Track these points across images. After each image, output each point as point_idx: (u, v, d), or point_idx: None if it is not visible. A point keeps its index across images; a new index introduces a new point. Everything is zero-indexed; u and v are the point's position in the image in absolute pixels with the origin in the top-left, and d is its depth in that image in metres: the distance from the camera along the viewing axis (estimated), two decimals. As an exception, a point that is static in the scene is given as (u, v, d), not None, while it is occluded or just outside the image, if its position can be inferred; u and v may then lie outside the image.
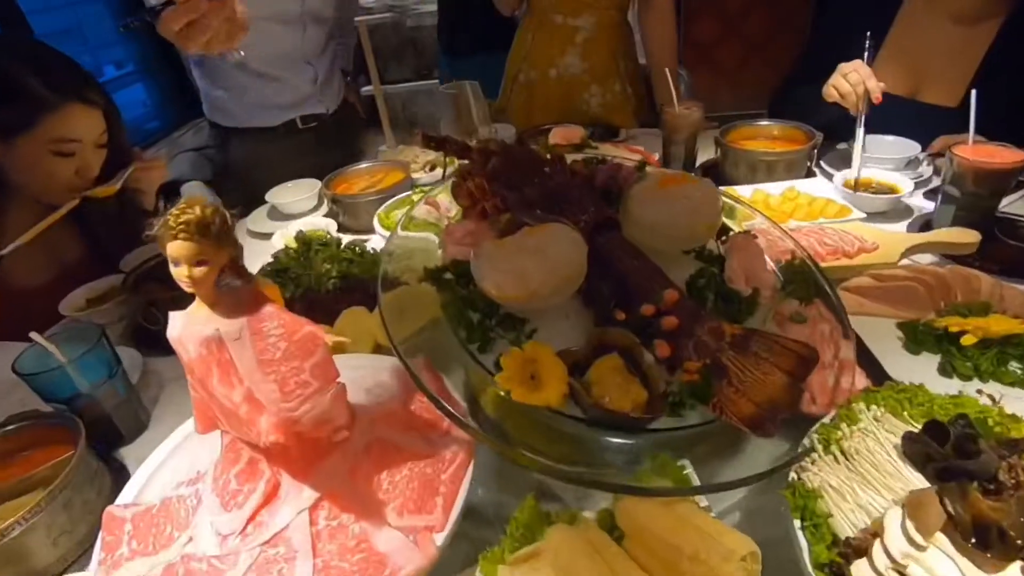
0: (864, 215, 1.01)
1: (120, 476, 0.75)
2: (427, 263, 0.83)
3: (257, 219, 1.40)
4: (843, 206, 1.02)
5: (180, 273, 0.43)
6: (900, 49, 1.29)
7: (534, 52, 1.68)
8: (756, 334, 0.64)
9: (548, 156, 0.74)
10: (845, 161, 1.28)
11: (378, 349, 0.77)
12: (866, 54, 1.13)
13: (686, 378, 0.60)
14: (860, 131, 1.12)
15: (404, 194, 1.24)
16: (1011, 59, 1.18)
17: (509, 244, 0.59)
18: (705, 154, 1.39)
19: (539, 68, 1.69)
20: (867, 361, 0.70)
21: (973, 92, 0.96)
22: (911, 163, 1.21)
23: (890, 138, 1.22)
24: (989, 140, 0.99)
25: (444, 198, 1.12)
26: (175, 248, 0.42)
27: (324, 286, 0.82)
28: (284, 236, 1.18)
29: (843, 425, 0.56)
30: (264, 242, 1.26)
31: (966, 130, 0.95)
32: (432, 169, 1.50)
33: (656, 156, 1.34)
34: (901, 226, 1.05)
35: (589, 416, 0.57)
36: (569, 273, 0.58)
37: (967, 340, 0.67)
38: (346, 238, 1.18)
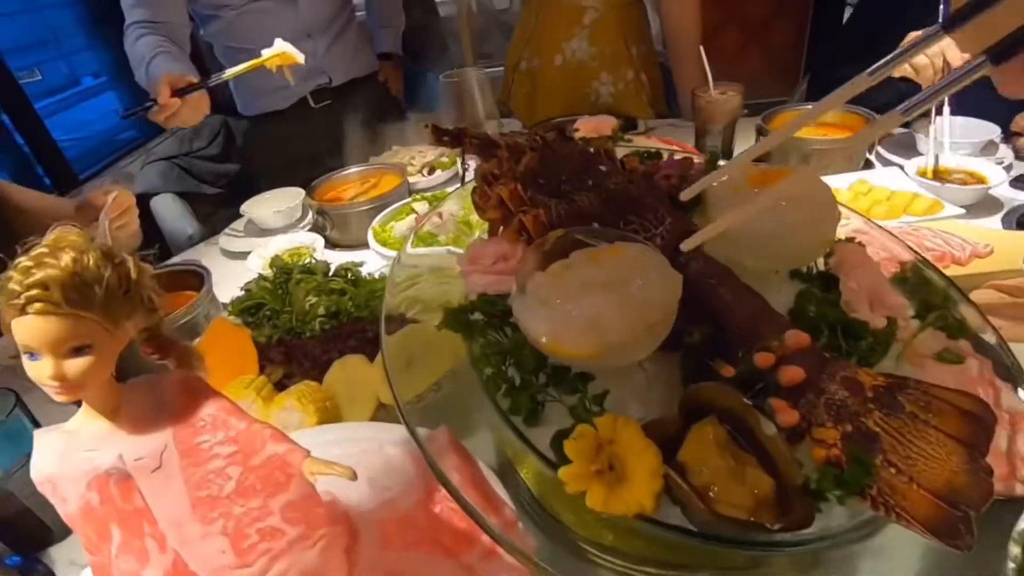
0: (962, 210, 0.84)
1: (49, 589, 0.58)
2: (441, 293, 0.65)
3: (231, 234, 1.21)
4: (934, 201, 0.85)
5: (40, 371, 0.25)
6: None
7: (537, 36, 1.51)
8: (906, 384, 0.46)
9: (594, 150, 0.57)
10: (906, 149, 1.11)
11: (381, 411, 0.59)
12: (941, 15, 0.96)
13: (821, 454, 0.42)
14: (947, 110, 0.95)
15: (402, 202, 1.06)
16: None
17: (569, 276, 0.41)
18: (742, 145, 1.22)
19: (543, 55, 1.52)
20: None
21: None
22: (987, 147, 1.05)
23: (961, 119, 1.06)
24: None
25: (453, 205, 0.94)
26: (25, 330, 0.24)
27: (309, 328, 0.64)
28: (261, 258, 1.00)
29: (1071, 527, 0.38)
30: (239, 263, 1.08)
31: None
32: (431, 172, 1.32)
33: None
34: (994, 221, 0.88)
35: (698, 526, 0.40)
36: (660, 317, 0.41)
37: None
38: (335, 258, 1.00)
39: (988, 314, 0.65)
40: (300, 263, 0.71)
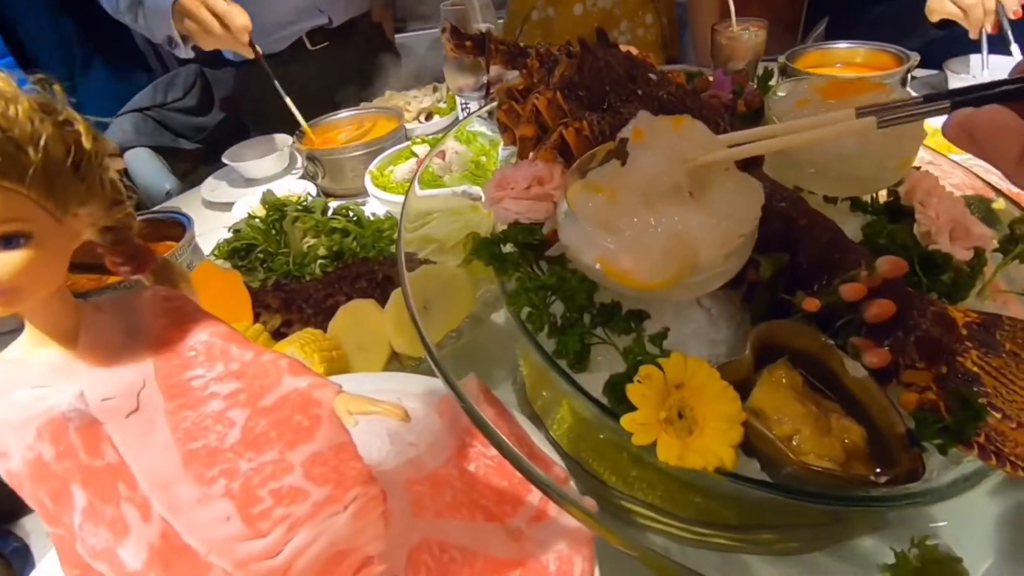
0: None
1: (22, 562, 0.52)
2: (457, 230, 0.58)
3: (214, 185, 1.12)
4: (982, 138, 0.79)
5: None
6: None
7: None
8: (1002, 322, 0.41)
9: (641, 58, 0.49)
10: (936, 89, 1.04)
11: (394, 361, 0.52)
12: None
13: (912, 399, 0.37)
14: (985, 53, 0.89)
15: (400, 145, 0.97)
16: None
17: (631, 192, 0.34)
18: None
19: (561, 3, 1.40)
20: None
21: None
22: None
23: (1005, 59, 0.99)
24: None
25: (457, 144, 0.86)
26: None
27: (308, 270, 0.56)
28: (249, 207, 0.91)
29: None
30: (224, 214, 0.99)
31: None
32: (429, 118, 1.23)
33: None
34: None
35: (782, 480, 0.34)
36: (748, 231, 0.34)
37: None
38: (332, 203, 0.92)
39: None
40: (296, 198, 0.63)
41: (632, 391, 0.33)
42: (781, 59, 1.08)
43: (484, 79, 1.00)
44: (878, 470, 0.34)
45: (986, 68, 0.96)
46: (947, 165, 0.58)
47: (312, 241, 0.59)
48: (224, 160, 1.11)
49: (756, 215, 0.34)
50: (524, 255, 0.43)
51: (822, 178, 0.47)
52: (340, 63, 1.39)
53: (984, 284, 0.46)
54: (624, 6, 1.38)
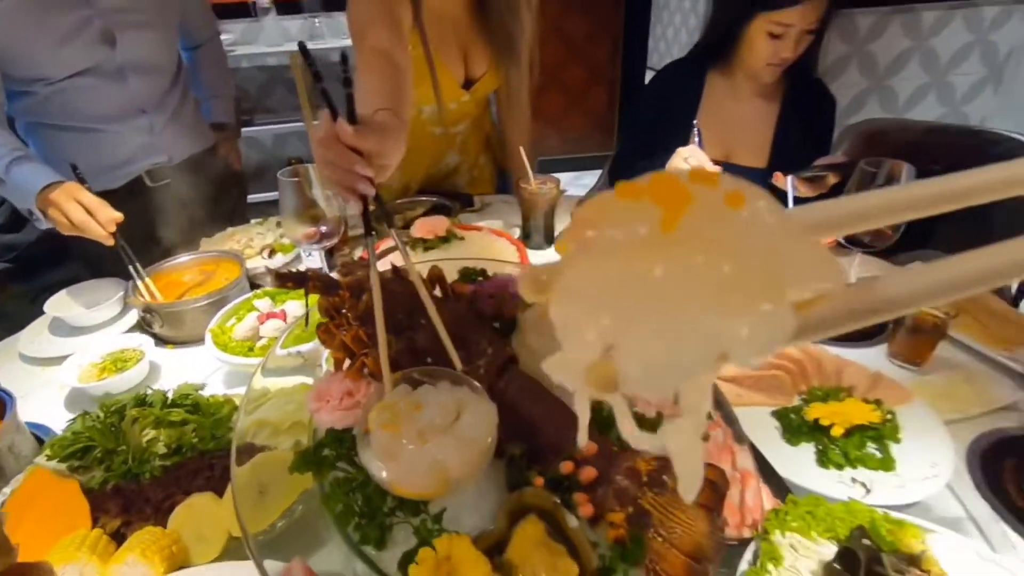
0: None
1: None
2: (288, 413, 0.69)
3: (34, 338, 1.08)
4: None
5: None
6: (712, 123, 1.46)
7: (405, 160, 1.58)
8: (668, 464, 0.62)
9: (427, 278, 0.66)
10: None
11: (233, 543, 0.60)
12: (696, 139, 1.24)
13: (612, 535, 0.55)
14: None
15: (242, 297, 1.05)
16: (792, 127, 1.43)
17: (407, 426, 0.49)
18: (562, 224, 1.41)
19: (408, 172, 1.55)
20: (760, 464, 0.72)
21: (790, 178, 1.10)
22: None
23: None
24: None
25: (298, 303, 0.96)
26: None
27: (148, 468, 0.62)
28: (79, 367, 0.92)
29: (769, 566, 0.55)
30: (52, 371, 0.97)
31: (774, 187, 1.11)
32: (272, 255, 1.32)
33: (516, 233, 1.33)
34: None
35: (523, 616, 0.49)
36: (486, 447, 0.50)
37: (836, 431, 0.72)
38: (166, 356, 0.97)
39: (736, 384, 0.86)
40: (134, 396, 0.68)
41: (412, 571, 0.47)
42: (573, 207, 1.34)
43: (323, 228, 1.12)
44: (583, 598, 0.50)
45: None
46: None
47: (152, 433, 0.65)
48: (45, 310, 1.09)
49: (492, 433, 0.50)
50: (340, 455, 0.55)
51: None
52: (181, 200, 1.42)
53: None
54: (467, 162, 1.59)
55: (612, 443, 0.61)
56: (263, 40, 3.15)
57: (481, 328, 0.63)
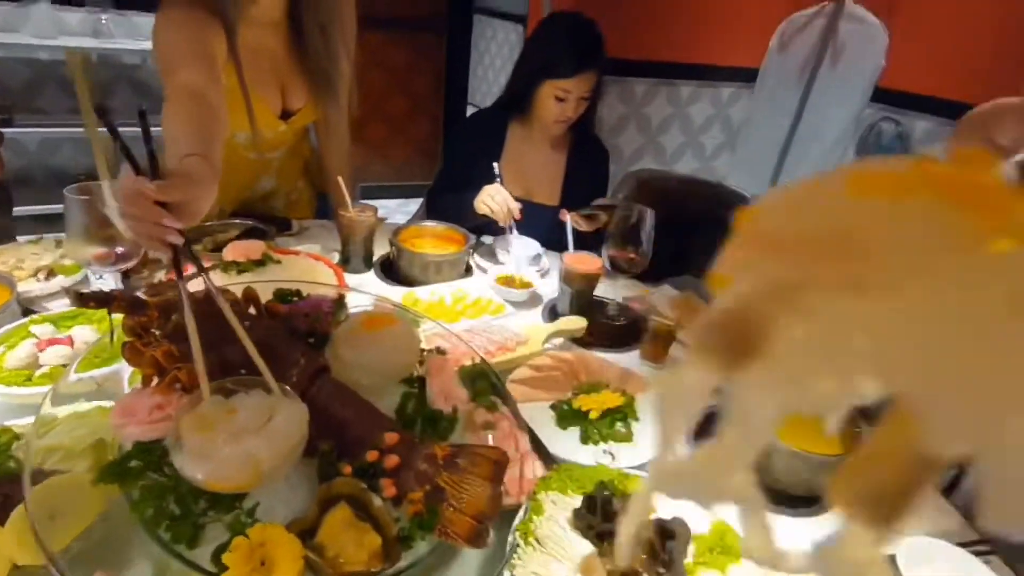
0: (514, 310, 1.27)
1: None
2: (82, 437, 0.68)
3: None
4: (500, 304, 1.26)
5: None
6: (513, 166, 1.69)
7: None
8: (461, 449, 0.74)
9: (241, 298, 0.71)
10: (492, 255, 1.57)
11: (16, 572, 0.58)
12: (498, 180, 1.44)
13: (412, 510, 0.66)
14: (513, 238, 1.42)
15: (14, 324, 0.95)
16: (577, 173, 1.75)
17: (221, 428, 0.54)
18: (380, 250, 1.49)
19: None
20: (537, 445, 0.89)
21: (569, 218, 1.35)
22: (535, 258, 1.58)
23: (512, 237, 1.56)
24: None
25: (87, 328, 0.91)
26: None
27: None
28: None
29: (534, 517, 0.70)
30: None
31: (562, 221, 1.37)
32: (49, 276, 1.19)
33: (335, 258, 1.39)
34: (537, 311, 1.35)
35: (330, 584, 0.57)
36: (297, 442, 0.58)
37: (594, 415, 0.93)
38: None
39: (524, 384, 1.03)
40: None
41: (225, 559, 0.52)
42: (390, 235, 1.44)
43: (119, 250, 1.06)
44: (385, 563, 0.60)
45: (515, 250, 1.49)
46: (454, 339, 0.96)
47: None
48: None
49: (304, 430, 0.58)
50: (148, 466, 0.58)
51: (372, 373, 0.76)
52: None
53: (465, 423, 0.82)
54: (284, 187, 1.59)
55: (413, 436, 0.72)
56: (30, 30, 2.72)
57: (295, 342, 0.70)
